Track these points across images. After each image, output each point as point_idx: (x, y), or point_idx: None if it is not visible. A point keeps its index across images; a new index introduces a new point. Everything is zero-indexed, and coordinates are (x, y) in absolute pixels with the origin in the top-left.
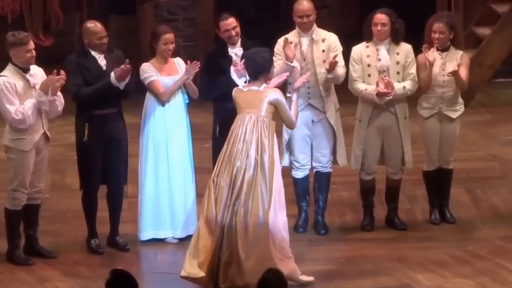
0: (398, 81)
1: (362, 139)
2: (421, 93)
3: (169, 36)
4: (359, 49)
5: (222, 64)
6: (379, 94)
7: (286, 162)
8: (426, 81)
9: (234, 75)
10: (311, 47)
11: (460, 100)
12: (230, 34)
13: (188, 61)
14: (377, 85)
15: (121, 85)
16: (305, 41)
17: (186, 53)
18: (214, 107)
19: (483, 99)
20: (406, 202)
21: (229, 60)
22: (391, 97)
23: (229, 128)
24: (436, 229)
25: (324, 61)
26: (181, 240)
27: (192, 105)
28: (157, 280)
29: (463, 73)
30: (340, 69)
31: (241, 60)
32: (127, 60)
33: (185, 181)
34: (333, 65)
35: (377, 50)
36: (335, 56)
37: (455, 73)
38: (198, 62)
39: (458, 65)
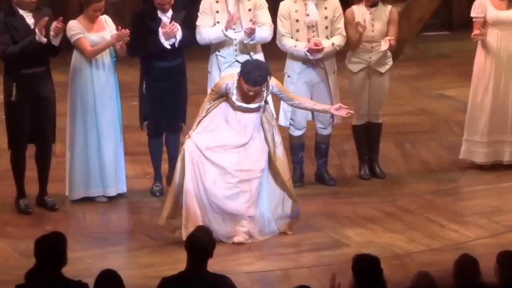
0: (327, 36)
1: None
2: (349, 48)
3: (100, 5)
4: (287, 4)
5: (151, 26)
6: (311, 51)
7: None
8: (356, 41)
9: (162, 38)
10: (237, 6)
11: (389, 54)
12: (163, 6)
13: (119, 27)
14: (308, 41)
15: (55, 42)
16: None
17: (113, 12)
18: (141, 65)
19: (412, 53)
20: (335, 157)
21: (158, 22)
22: (322, 54)
23: (155, 86)
24: (365, 184)
25: (250, 20)
26: (111, 198)
27: (120, 63)
28: (87, 239)
29: (392, 32)
30: (265, 29)
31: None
32: (61, 17)
33: (114, 139)
34: (250, 32)
35: (305, 5)
36: (253, 22)
37: (390, 48)
38: (128, 31)
39: (388, 23)
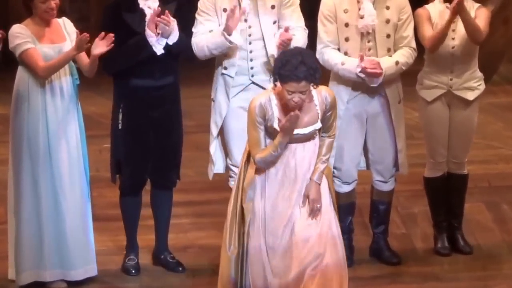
0: (389, 49)
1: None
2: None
3: None
4: (332, 2)
5: (129, 21)
6: (365, 73)
7: (219, 167)
8: (436, 38)
9: (150, 35)
10: (255, 2)
11: (479, 73)
12: None
13: (77, 32)
14: (361, 59)
15: None
16: None
17: (74, 12)
18: (115, 86)
19: (510, 72)
20: (400, 224)
21: (140, 15)
22: (382, 79)
23: (135, 115)
24: (444, 262)
25: (274, 22)
26: (74, 284)
27: (85, 87)
28: None
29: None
30: (298, 36)
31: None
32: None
33: (78, 198)
34: (286, 43)
35: (358, 2)
36: (287, 28)
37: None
38: (87, 36)
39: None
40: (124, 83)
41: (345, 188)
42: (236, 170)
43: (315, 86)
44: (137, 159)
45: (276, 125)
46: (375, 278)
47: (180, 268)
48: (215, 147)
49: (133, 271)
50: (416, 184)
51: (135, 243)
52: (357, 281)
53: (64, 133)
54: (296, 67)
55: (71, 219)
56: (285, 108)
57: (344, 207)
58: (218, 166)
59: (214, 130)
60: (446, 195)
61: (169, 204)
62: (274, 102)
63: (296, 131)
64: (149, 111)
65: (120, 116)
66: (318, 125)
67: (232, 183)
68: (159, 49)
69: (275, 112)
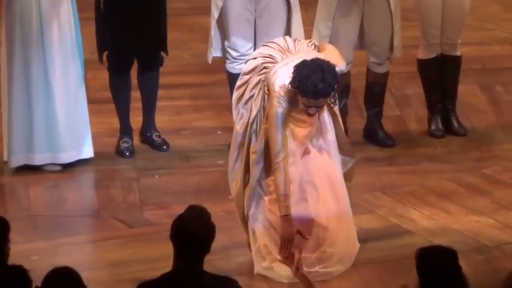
0: None
1: (333, 12)
2: None
3: None
4: None
5: None
6: None
7: (217, 51)
8: None
9: None
10: None
11: None
12: None
13: None
14: None
15: None
16: None
17: None
18: None
19: None
20: (394, 106)
21: None
22: None
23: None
24: (438, 144)
25: None
26: (66, 166)
27: None
28: (31, 226)
29: None
30: None
31: None
32: None
33: (71, 82)
34: None
35: None
36: None
37: None
38: None
39: None
40: None
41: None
42: (233, 52)
43: (332, 102)
44: (121, 39)
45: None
46: (369, 160)
47: (165, 147)
48: (214, 30)
49: (127, 153)
50: (410, 66)
51: (128, 125)
52: None
53: (56, 15)
54: (315, 85)
55: (62, 101)
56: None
57: (339, 89)
58: (216, 49)
59: (215, 12)
60: (440, 76)
61: (156, 84)
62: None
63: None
64: None
65: None
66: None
67: (229, 65)
68: None
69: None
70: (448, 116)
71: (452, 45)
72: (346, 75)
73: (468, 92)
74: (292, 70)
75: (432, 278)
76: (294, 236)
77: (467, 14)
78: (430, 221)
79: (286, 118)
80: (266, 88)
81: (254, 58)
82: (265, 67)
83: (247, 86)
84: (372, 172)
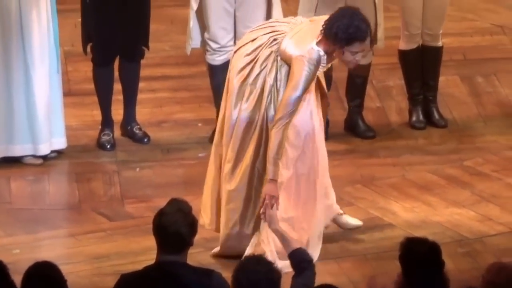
0: None
1: (315, 3)
2: None
3: None
4: None
5: None
6: None
7: (196, 42)
8: None
9: None
10: None
11: None
12: None
13: None
14: None
15: None
16: None
17: None
18: None
19: None
20: (375, 97)
21: None
22: None
23: None
24: (419, 135)
25: None
26: (47, 159)
27: None
28: (12, 219)
29: None
30: None
31: None
32: None
33: (49, 74)
34: None
35: None
36: None
37: None
38: None
39: None
40: None
41: None
42: (213, 44)
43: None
44: (105, 31)
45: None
46: (350, 152)
47: (146, 139)
48: (193, 22)
49: (108, 146)
50: (391, 57)
51: (109, 118)
52: (332, 155)
53: (36, 7)
54: (360, 28)
55: (41, 92)
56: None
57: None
58: (195, 41)
59: (194, 4)
60: (421, 67)
61: (137, 76)
62: (324, 63)
63: None
64: None
65: None
66: None
67: (210, 57)
68: None
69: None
70: (429, 107)
71: (433, 35)
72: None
73: (449, 83)
74: (318, 29)
75: (415, 269)
76: (276, 199)
77: (448, 3)
78: (411, 214)
79: (310, 83)
80: (279, 58)
81: (253, 40)
82: (275, 39)
83: (256, 62)
84: (353, 164)
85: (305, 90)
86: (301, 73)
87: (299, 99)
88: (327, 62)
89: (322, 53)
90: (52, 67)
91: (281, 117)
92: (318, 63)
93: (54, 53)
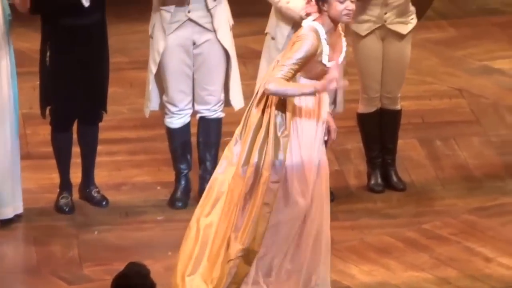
0: None
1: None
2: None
3: None
4: None
5: None
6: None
7: (154, 105)
8: None
9: None
10: None
11: (411, 7)
12: None
13: None
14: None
15: None
16: None
17: None
18: (42, 24)
19: (444, 7)
20: (334, 160)
21: None
22: None
23: (63, 54)
24: (377, 199)
25: None
26: (5, 223)
27: (18, 23)
28: None
29: None
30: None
31: None
32: None
33: (8, 138)
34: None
35: None
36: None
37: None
38: None
39: None
40: (50, 20)
41: None
42: (171, 107)
43: None
44: (65, 95)
45: (325, 61)
46: None
47: (104, 203)
48: (152, 85)
49: (66, 209)
50: (349, 121)
51: (68, 181)
52: None
53: None
54: None
55: (1, 157)
56: (333, 43)
57: None
58: (154, 103)
59: (153, 67)
60: (379, 131)
61: (95, 139)
62: (324, 36)
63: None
64: (76, 48)
65: (48, 53)
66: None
67: (168, 120)
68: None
69: (325, 48)
70: (387, 170)
71: (392, 98)
72: None
73: (407, 146)
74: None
75: None
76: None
77: (407, 66)
78: (370, 277)
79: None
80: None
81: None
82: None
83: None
84: None
85: (304, 59)
86: (302, 42)
87: (294, 66)
88: (327, 31)
89: (312, 20)
90: (13, 131)
91: (270, 79)
92: (314, 31)
93: (13, 117)
